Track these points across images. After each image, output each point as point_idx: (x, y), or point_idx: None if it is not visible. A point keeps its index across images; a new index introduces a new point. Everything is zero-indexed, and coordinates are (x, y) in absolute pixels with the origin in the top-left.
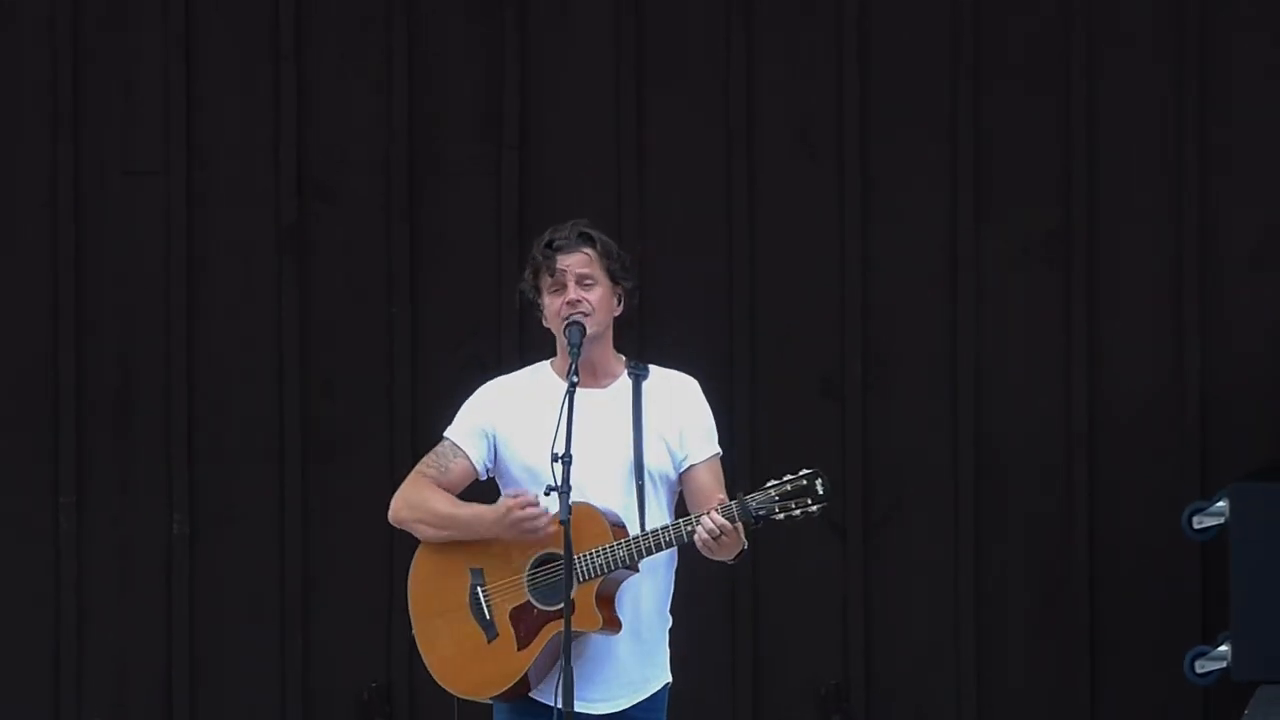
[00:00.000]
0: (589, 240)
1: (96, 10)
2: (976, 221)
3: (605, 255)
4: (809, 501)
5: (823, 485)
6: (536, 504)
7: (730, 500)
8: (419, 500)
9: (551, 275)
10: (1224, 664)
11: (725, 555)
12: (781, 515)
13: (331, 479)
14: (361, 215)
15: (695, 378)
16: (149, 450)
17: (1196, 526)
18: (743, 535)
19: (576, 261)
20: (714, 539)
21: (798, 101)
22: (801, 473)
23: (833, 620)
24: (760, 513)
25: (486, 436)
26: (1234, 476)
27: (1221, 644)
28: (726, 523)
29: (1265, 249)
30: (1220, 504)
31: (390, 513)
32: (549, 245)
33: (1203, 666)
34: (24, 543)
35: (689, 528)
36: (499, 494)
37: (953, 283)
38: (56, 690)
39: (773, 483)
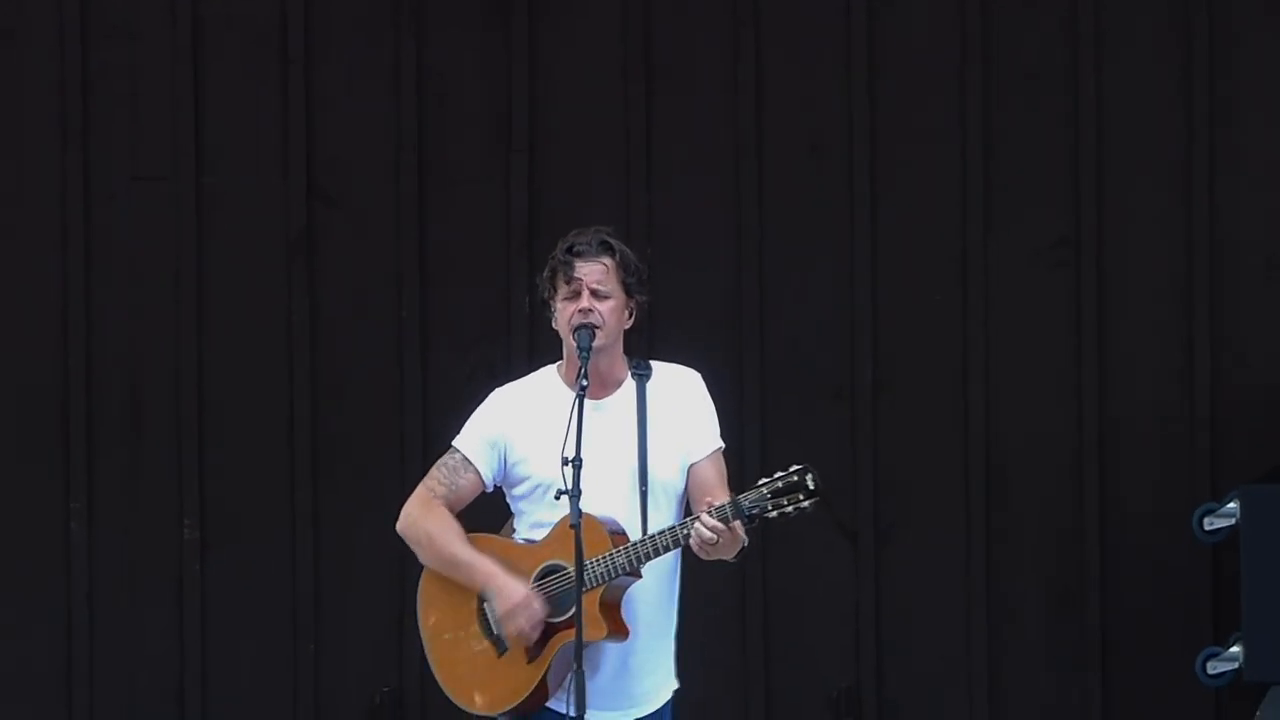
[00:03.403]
0: (609, 250)
1: (104, 17)
2: (986, 228)
3: (623, 267)
4: (800, 497)
5: (814, 480)
6: (539, 627)
7: (723, 501)
8: (429, 530)
9: (568, 281)
10: (1236, 665)
11: (724, 555)
12: (774, 512)
13: (342, 485)
14: (370, 221)
15: (703, 379)
16: (159, 456)
17: (1207, 528)
18: (741, 534)
19: (594, 272)
20: (709, 544)
21: (806, 107)
22: (792, 469)
23: (844, 625)
24: (753, 511)
25: (496, 448)
26: (1244, 478)
27: (1233, 645)
28: (720, 525)
29: (1276, 252)
30: (1231, 505)
31: (400, 525)
32: (570, 250)
33: (1214, 668)
34: (35, 549)
35: (685, 531)
36: (504, 503)
37: (963, 289)
38: (69, 698)
39: (764, 480)
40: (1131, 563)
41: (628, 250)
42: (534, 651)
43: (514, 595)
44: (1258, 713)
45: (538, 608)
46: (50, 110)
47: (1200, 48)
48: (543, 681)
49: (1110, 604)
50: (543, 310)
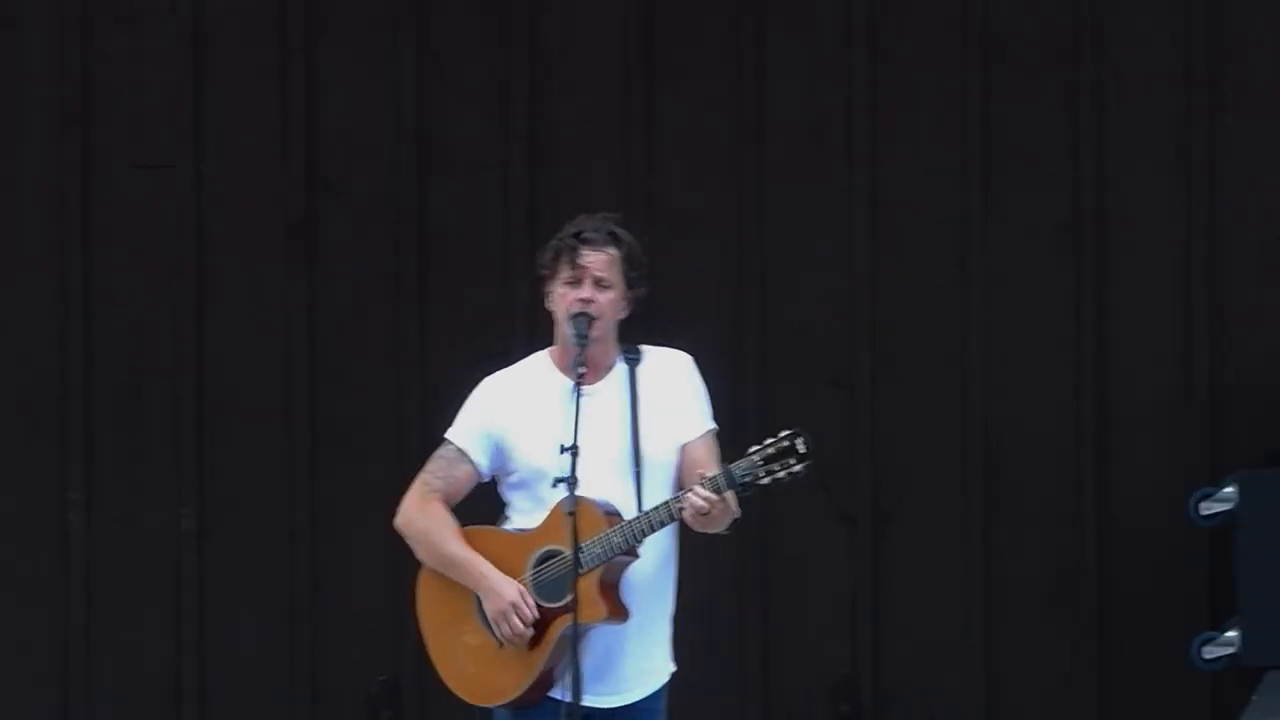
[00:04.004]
0: (616, 241)
1: (105, 4)
2: (986, 212)
3: (627, 260)
4: (792, 461)
5: (804, 444)
6: (531, 624)
7: (714, 472)
8: (426, 527)
9: (572, 268)
10: (1232, 649)
11: (717, 527)
12: (767, 479)
13: (340, 473)
14: (370, 208)
15: (701, 366)
16: (157, 446)
17: (1204, 513)
18: (733, 504)
19: (599, 262)
20: (703, 514)
21: (807, 92)
22: (782, 434)
23: (842, 611)
24: (745, 479)
25: (489, 438)
26: (1241, 463)
27: (1229, 630)
28: (713, 495)
29: (1276, 237)
30: (1228, 490)
31: (397, 522)
32: (577, 235)
33: (1210, 652)
34: (32, 538)
35: (678, 505)
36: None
37: (962, 273)
38: (65, 686)
39: (755, 448)
40: (1128, 547)
41: (634, 242)
42: (534, 639)
43: (504, 596)
44: (1253, 697)
45: (528, 607)
46: (50, 97)
47: (1201, 30)
48: (546, 669)
49: (1107, 588)
50: (538, 284)
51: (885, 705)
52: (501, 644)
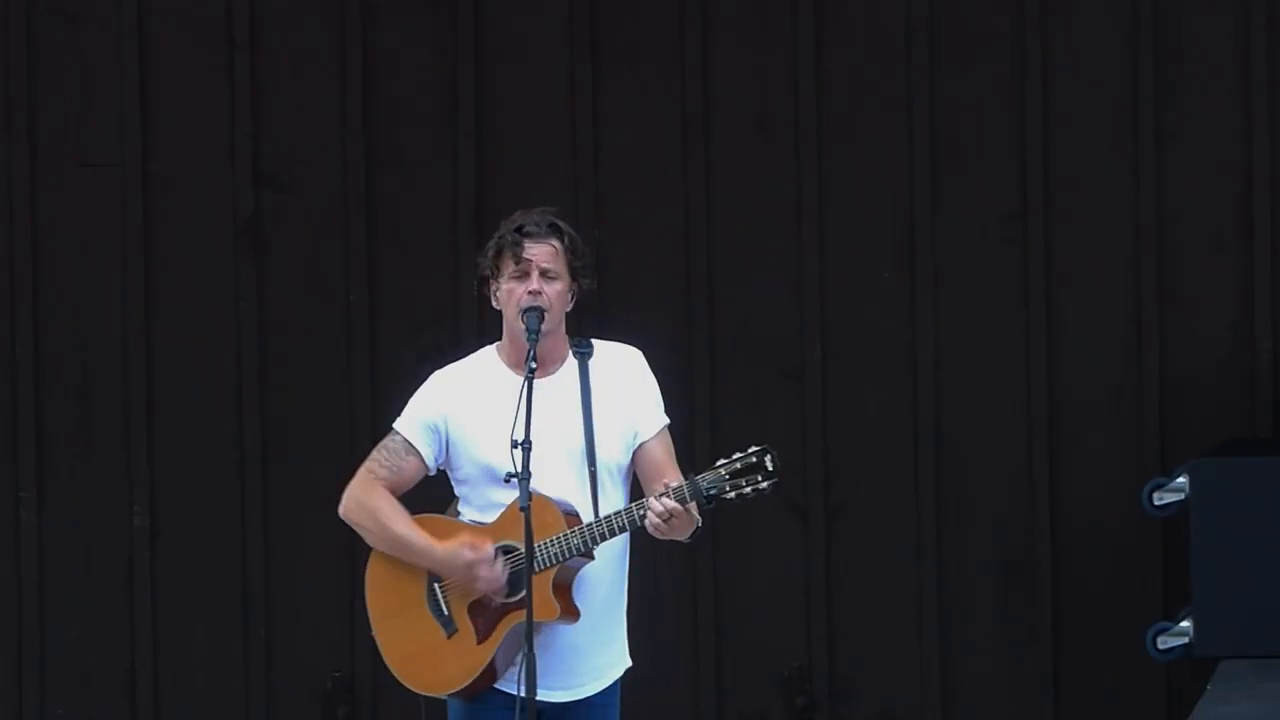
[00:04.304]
0: (558, 233)
1: (50, 2)
2: (933, 205)
3: (571, 250)
4: (759, 478)
5: (772, 461)
6: (495, 561)
7: (680, 481)
8: (373, 510)
9: (516, 262)
10: (1186, 640)
11: (678, 535)
12: (733, 494)
13: (291, 469)
14: (318, 206)
15: (651, 361)
16: (109, 443)
17: (1157, 503)
18: (696, 514)
19: (543, 254)
20: (664, 521)
21: (753, 87)
22: (750, 450)
23: (795, 603)
24: (711, 492)
25: (437, 431)
26: (1193, 453)
27: (1183, 620)
28: (677, 505)
29: (1224, 227)
30: (1180, 480)
31: (341, 510)
32: (519, 230)
33: (1164, 642)
34: None
35: (640, 512)
36: (448, 483)
37: (910, 266)
38: (19, 684)
39: (723, 461)
40: (1081, 538)
41: (575, 233)
42: (483, 632)
43: (460, 559)
44: (1208, 687)
45: (488, 556)
46: None
47: (1147, 22)
48: (491, 663)
49: (1060, 579)
50: (481, 285)
51: (840, 697)
52: (450, 634)
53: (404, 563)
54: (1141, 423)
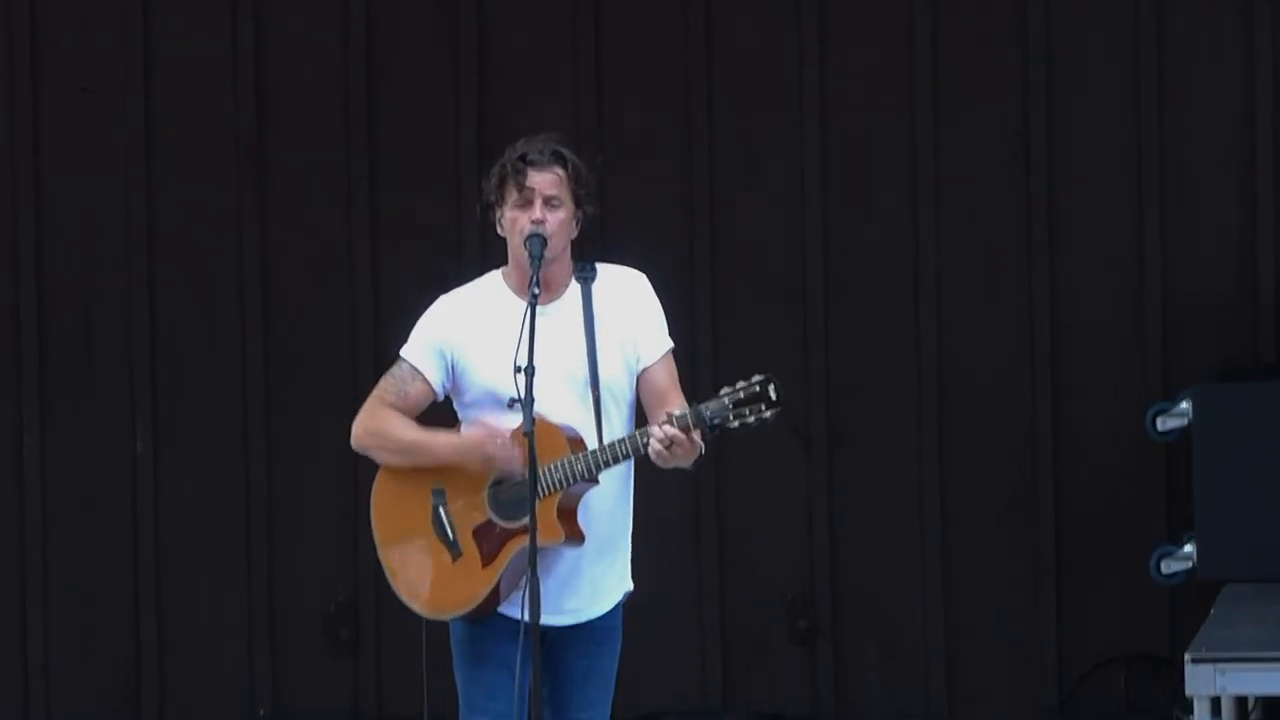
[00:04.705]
0: (561, 160)
1: None
2: (936, 130)
3: (574, 178)
4: (763, 407)
5: (775, 390)
6: (507, 437)
7: (684, 409)
8: (380, 427)
9: (519, 190)
10: (1189, 564)
11: (682, 463)
12: (736, 423)
13: (294, 396)
14: (320, 131)
15: (654, 288)
16: (111, 371)
17: (1160, 428)
18: (700, 442)
19: (546, 181)
20: (667, 449)
21: (755, 19)
22: (754, 379)
23: (797, 529)
24: (715, 421)
25: (443, 356)
26: (1196, 378)
27: (1186, 544)
28: (679, 433)
29: (1225, 154)
30: (1183, 405)
31: (352, 439)
32: (522, 158)
33: (1168, 567)
34: None
35: (644, 439)
36: (455, 413)
37: (913, 196)
38: (23, 612)
39: (726, 390)
40: (1085, 464)
41: (579, 160)
42: (488, 556)
43: (472, 446)
44: (1211, 611)
45: (497, 433)
46: None
47: None
48: (495, 587)
49: (1064, 505)
50: (486, 212)
51: (842, 622)
52: (455, 557)
53: (411, 486)
54: (1144, 347)
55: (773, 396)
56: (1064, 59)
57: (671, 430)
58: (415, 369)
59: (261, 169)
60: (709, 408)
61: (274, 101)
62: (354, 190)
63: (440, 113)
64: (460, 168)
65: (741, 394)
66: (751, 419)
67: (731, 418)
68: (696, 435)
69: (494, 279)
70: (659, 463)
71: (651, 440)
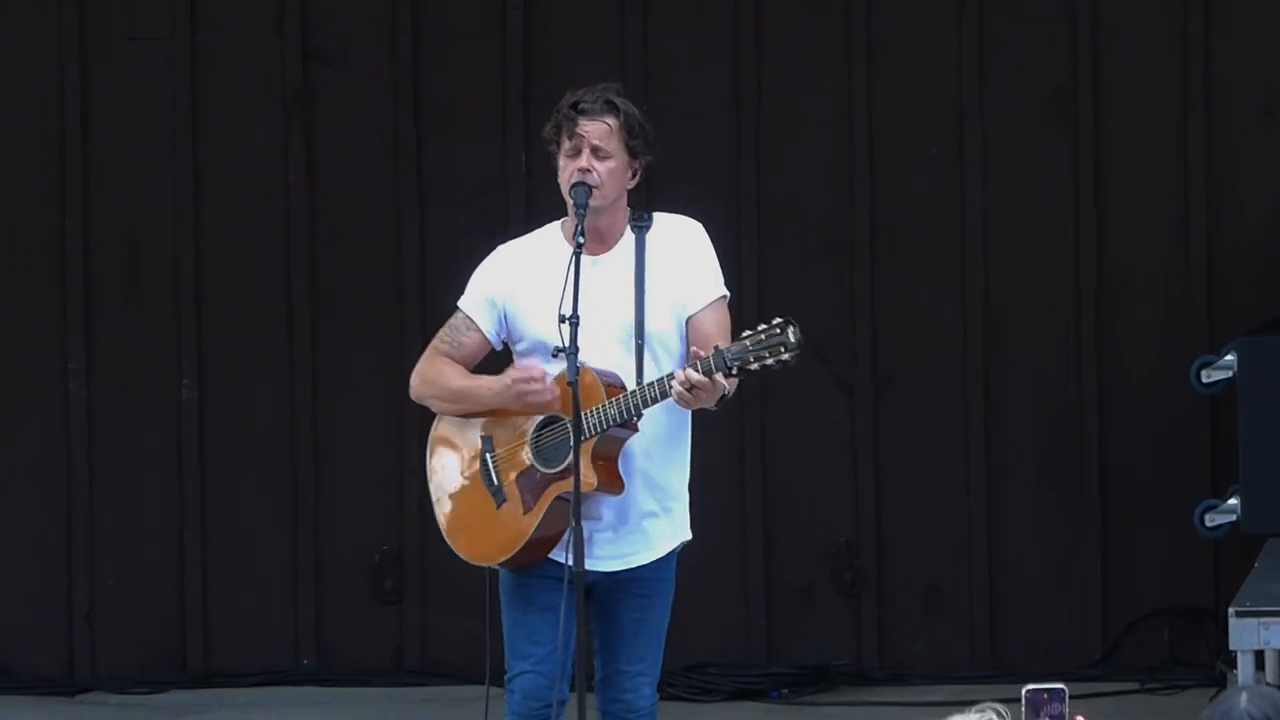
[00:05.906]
0: (614, 110)
1: None
2: (982, 79)
3: (626, 128)
4: (782, 350)
5: (794, 334)
6: (541, 377)
7: (707, 353)
8: (433, 376)
9: (570, 138)
10: (1234, 517)
11: (705, 405)
12: (755, 365)
13: (340, 343)
14: (367, 79)
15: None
16: (157, 317)
17: (1205, 381)
18: (723, 383)
19: (596, 131)
20: (689, 391)
21: None
22: (774, 321)
23: (842, 479)
24: (735, 363)
25: (495, 306)
26: (1242, 330)
27: (1231, 497)
28: (700, 377)
29: (1272, 103)
30: (1229, 358)
31: (411, 390)
32: (574, 106)
33: (1212, 520)
34: (33, 409)
35: (669, 382)
36: (511, 362)
37: (960, 143)
38: (69, 557)
39: (747, 333)
40: (1129, 415)
41: (634, 110)
42: (528, 503)
43: (507, 386)
44: (1255, 564)
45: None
46: None
47: None
48: (539, 534)
49: (1108, 456)
50: (544, 164)
51: (886, 571)
52: (499, 504)
53: (463, 434)
54: (1190, 300)
55: (792, 340)
56: (1109, 9)
57: (693, 374)
58: (469, 319)
59: (307, 118)
60: (730, 351)
61: (320, 49)
62: (400, 136)
63: (486, 60)
64: (506, 114)
65: (762, 336)
66: (771, 361)
67: (751, 359)
68: (720, 377)
69: (552, 229)
70: (681, 405)
71: (674, 384)
